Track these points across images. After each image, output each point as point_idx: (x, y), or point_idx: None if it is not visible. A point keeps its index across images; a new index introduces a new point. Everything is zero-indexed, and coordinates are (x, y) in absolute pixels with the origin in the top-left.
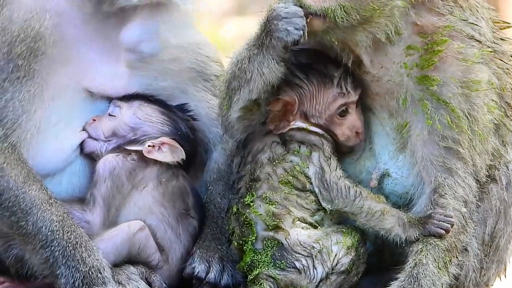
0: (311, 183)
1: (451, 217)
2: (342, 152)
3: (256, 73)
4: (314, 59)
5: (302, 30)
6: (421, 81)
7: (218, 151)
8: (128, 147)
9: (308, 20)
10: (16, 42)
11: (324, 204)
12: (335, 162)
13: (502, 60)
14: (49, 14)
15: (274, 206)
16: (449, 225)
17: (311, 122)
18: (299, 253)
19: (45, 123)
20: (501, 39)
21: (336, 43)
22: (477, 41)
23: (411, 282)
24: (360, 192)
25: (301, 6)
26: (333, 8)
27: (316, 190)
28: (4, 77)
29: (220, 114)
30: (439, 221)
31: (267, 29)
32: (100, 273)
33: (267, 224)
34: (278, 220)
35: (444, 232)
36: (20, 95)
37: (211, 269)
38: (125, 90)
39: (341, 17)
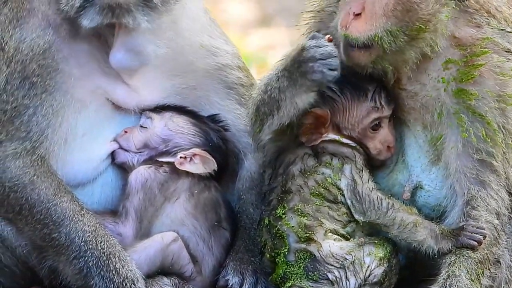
0: (343, 195)
1: (484, 229)
2: (373, 166)
3: (288, 102)
4: (347, 71)
5: (337, 69)
6: (458, 94)
7: (249, 160)
8: (160, 159)
9: (352, 52)
10: (27, 60)
11: (356, 216)
12: (367, 174)
13: None
14: (52, 31)
15: (306, 218)
16: (481, 236)
17: (343, 134)
18: (331, 265)
19: (72, 135)
20: None
21: (390, 68)
22: None
23: None
24: (393, 204)
25: (348, 41)
26: (380, 35)
27: (349, 202)
28: (23, 95)
29: (250, 134)
30: (471, 232)
31: (301, 70)
32: (134, 284)
33: (299, 236)
34: (310, 232)
35: (477, 243)
36: (42, 110)
37: (245, 281)
38: (142, 102)
39: (388, 42)
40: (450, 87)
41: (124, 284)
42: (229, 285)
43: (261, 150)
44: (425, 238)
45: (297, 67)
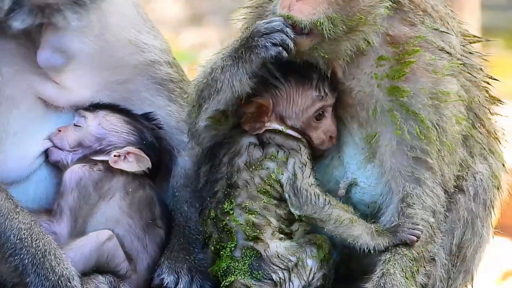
0: (283, 190)
1: (419, 225)
2: (314, 156)
3: (226, 84)
4: (291, 59)
5: (282, 45)
6: (391, 92)
7: (183, 157)
8: (94, 157)
9: (296, 40)
10: None
11: (293, 210)
12: (309, 170)
13: (470, 73)
14: None
15: (254, 216)
16: (419, 232)
17: (287, 124)
18: (276, 265)
19: (4, 133)
20: (469, 52)
21: (325, 57)
22: (447, 53)
23: None
24: (329, 201)
25: (292, 23)
26: (321, 21)
27: (286, 195)
28: None
29: (187, 121)
30: (408, 229)
31: (248, 45)
32: (69, 282)
33: (247, 234)
34: (258, 231)
35: (413, 240)
36: None
37: (180, 280)
38: (72, 99)
39: (328, 30)
40: (383, 84)
41: (59, 282)
42: (164, 284)
43: (196, 139)
44: (360, 234)
45: (243, 44)
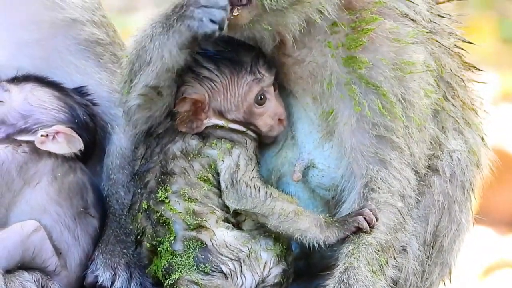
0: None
1: (372, 207)
2: (265, 144)
3: (156, 55)
4: (222, 46)
5: (219, 24)
6: (348, 63)
7: (118, 134)
8: (19, 138)
9: (235, 14)
10: None
11: (228, 203)
12: (253, 164)
13: (439, 41)
14: None
15: (194, 203)
16: (369, 212)
17: (228, 119)
18: (225, 256)
19: None
20: (438, 15)
21: (269, 29)
22: (412, 20)
23: None
24: (271, 193)
25: None
26: None
27: (223, 185)
28: None
29: (121, 100)
30: (356, 215)
31: (181, 13)
32: None
33: (188, 223)
34: (200, 219)
35: (366, 224)
36: None
37: (117, 277)
38: None
39: (269, 1)
40: (338, 54)
41: None
42: (99, 282)
43: (130, 120)
44: (308, 227)
45: (177, 11)
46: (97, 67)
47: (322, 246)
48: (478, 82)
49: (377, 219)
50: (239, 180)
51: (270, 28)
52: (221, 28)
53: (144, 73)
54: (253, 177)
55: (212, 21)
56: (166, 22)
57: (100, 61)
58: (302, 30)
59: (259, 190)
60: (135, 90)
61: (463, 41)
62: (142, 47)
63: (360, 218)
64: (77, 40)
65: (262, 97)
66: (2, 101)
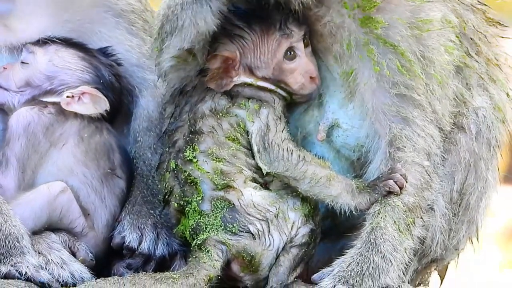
0: (251, 140)
1: (401, 170)
2: (298, 103)
3: (189, 22)
4: (254, 4)
5: None
6: (364, 23)
7: (145, 97)
8: (44, 99)
9: None
10: None
11: (261, 165)
12: (283, 124)
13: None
14: None
15: (222, 163)
16: (400, 176)
17: (257, 76)
18: (253, 216)
19: None
20: None
21: None
22: None
23: (369, 248)
24: (304, 157)
25: None
26: None
27: (255, 148)
28: None
29: (152, 57)
30: (387, 179)
31: None
32: (18, 241)
33: (216, 183)
34: (228, 179)
35: (397, 187)
36: None
37: (144, 238)
38: (20, 40)
39: None
40: (355, 15)
41: (7, 241)
42: (126, 242)
43: (163, 77)
44: (340, 193)
45: None
46: (128, 34)
47: (354, 211)
48: (502, 37)
49: (406, 181)
50: (271, 142)
51: None
52: None
53: (177, 37)
54: (284, 139)
55: None
56: None
57: (133, 28)
58: None
59: (291, 153)
60: (167, 53)
61: None
62: (172, 12)
63: (391, 182)
64: (114, 10)
65: (292, 52)
66: (28, 63)
